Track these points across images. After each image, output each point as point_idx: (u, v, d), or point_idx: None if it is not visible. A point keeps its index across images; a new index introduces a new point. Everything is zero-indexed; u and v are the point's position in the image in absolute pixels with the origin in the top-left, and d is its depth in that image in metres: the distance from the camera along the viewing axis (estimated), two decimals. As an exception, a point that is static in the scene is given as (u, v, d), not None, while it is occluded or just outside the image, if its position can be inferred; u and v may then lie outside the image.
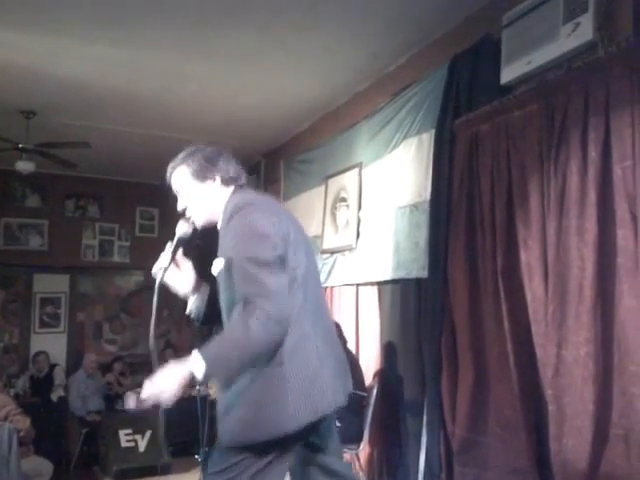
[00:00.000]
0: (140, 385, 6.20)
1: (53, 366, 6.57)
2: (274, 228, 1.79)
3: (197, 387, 3.33)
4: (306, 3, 3.37)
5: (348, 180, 4.54)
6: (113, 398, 6.28)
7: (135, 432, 5.09)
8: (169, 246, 2.13)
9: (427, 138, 3.57)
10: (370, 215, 4.18)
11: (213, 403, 5.01)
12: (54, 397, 6.11)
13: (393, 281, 3.83)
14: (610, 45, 2.48)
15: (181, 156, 2.09)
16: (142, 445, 5.04)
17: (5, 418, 3.96)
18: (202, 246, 2.55)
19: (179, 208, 2.12)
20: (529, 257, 2.78)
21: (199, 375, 1.69)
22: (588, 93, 2.54)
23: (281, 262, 1.77)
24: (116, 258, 7.68)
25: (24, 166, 5.24)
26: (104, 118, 5.26)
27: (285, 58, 4.09)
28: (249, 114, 5.17)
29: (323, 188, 4.91)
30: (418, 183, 3.62)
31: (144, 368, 7.19)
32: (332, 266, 4.59)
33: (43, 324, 7.28)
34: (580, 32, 2.59)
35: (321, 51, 3.96)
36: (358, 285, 4.30)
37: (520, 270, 2.83)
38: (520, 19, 2.92)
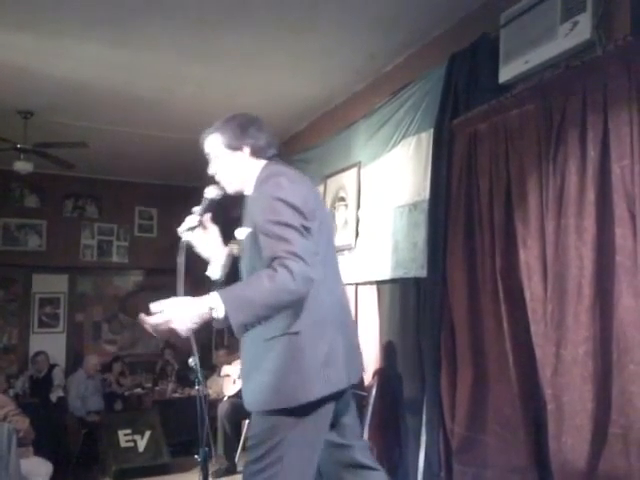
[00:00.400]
0: (140, 385, 6.17)
1: (52, 366, 6.57)
2: (302, 200, 1.80)
3: (196, 387, 3.33)
4: (304, 4, 3.37)
5: (347, 180, 4.54)
6: (112, 398, 6.28)
7: (134, 432, 5.09)
8: (197, 208, 2.15)
9: (425, 137, 3.57)
10: (369, 215, 4.19)
11: (212, 403, 5.04)
12: (53, 397, 6.10)
13: (392, 280, 3.83)
14: (608, 44, 2.49)
15: (217, 123, 2.12)
16: (141, 445, 5.04)
17: (4, 418, 3.95)
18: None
19: (210, 172, 2.15)
20: (528, 256, 2.78)
21: (220, 313, 1.67)
22: (586, 92, 2.54)
23: (307, 230, 1.78)
24: (115, 258, 7.67)
25: (22, 166, 5.24)
26: (102, 118, 5.26)
27: (283, 58, 4.09)
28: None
29: (322, 188, 4.91)
30: (417, 182, 3.62)
31: (143, 368, 7.24)
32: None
33: (42, 324, 7.28)
34: (578, 31, 2.59)
35: (319, 51, 3.97)
36: (357, 284, 4.30)
37: (519, 269, 2.84)
38: (518, 18, 2.92)
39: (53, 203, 7.34)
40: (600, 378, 2.42)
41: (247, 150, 2.03)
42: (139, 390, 6.54)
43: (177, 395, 6.22)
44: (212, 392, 5.54)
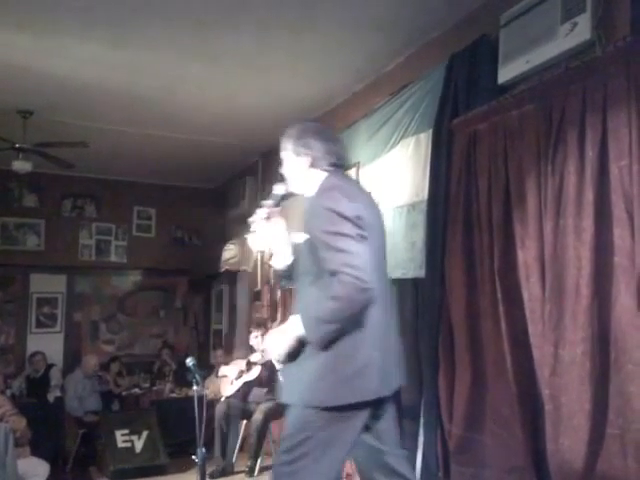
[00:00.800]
0: (138, 385, 6.15)
1: (50, 366, 6.55)
2: (355, 213, 1.90)
3: (194, 387, 3.33)
4: (304, 4, 3.37)
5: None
6: (110, 398, 6.27)
7: (132, 432, 5.07)
8: (266, 202, 2.30)
9: (425, 138, 3.57)
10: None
11: (210, 403, 5.03)
12: (50, 397, 6.09)
13: (390, 281, 3.82)
14: (608, 45, 2.49)
15: (293, 127, 2.25)
16: (139, 445, 5.02)
17: (1, 419, 3.94)
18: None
19: (281, 170, 2.28)
20: (526, 256, 2.78)
21: (309, 338, 1.89)
22: (585, 92, 2.54)
23: (362, 238, 1.89)
24: (113, 258, 7.66)
25: (21, 166, 5.23)
26: (102, 118, 5.26)
27: (283, 58, 4.09)
28: (247, 114, 5.17)
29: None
30: (416, 183, 3.62)
31: (141, 368, 7.23)
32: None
33: (40, 324, 7.27)
34: (578, 32, 2.60)
35: (319, 51, 3.97)
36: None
37: (517, 269, 2.83)
38: (518, 18, 2.92)
39: (52, 203, 7.33)
40: (598, 378, 2.41)
41: (307, 160, 2.14)
42: (137, 390, 6.53)
43: (174, 395, 6.21)
44: (210, 392, 5.53)
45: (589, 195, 2.47)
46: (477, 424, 3.01)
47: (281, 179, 2.30)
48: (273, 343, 2.03)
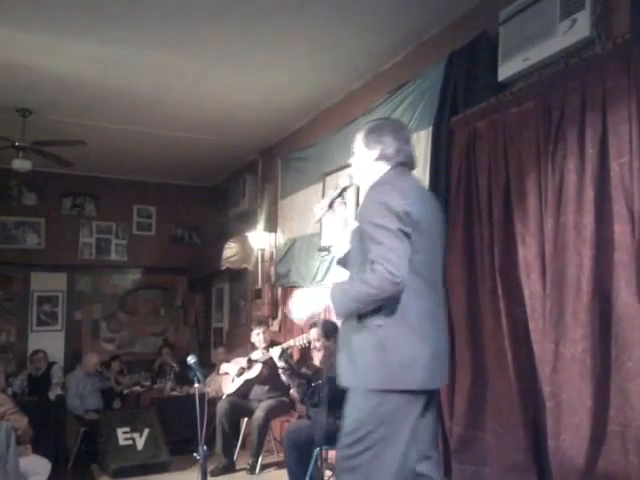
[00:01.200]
0: (139, 383, 6.15)
1: (51, 364, 6.57)
2: (403, 209, 1.96)
3: (195, 385, 3.33)
4: (301, 2, 3.36)
5: (345, 178, 4.52)
6: (111, 396, 6.27)
7: (133, 430, 5.08)
8: (331, 192, 2.45)
9: (424, 136, 3.57)
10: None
11: (211, 401, 5.04)
12: (52, 396, 6.09)
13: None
14: (607, 42, 2.49)
15: (371, 121, 2.35)
16: (140, 443, 5.03)
17: (2, 417, 3.95)
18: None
19: (350, 162, 2.38)
20: (527, 254, 2.78)
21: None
22: (585, 90, 2.54)
23: (405, 235, 1.95)
24: (113, 256, 7.67)
25: (20, 164, 5.23)
26: (101, 116, 5.26)
27: (281, 56, 4.08)
28: (245, 112, 5.17)
29: (320, 186, 4.91)
30: (415, 180, 3.61)
31: (142, 366, 7.24)
32: (330, 263, 4.60)
33: (40, 323, 7.28)
34: (577, 29, 2.59)
35: (317, 49, 3.97)
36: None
37: (518, 267, 2.84)
38: (517, 16, 2.92)
39: (51, 201, 7.34)
40: (599, 375, 2.42)
41: (376, 153, 2.18)
42: (138, 388, 6.53)
43: (176, 393, 6.22)
44: (211, 390, 5.54)
45: (589, 192, 2.47)
46: (478, 422, 3.01)
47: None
48: (298, 303, 2.14)
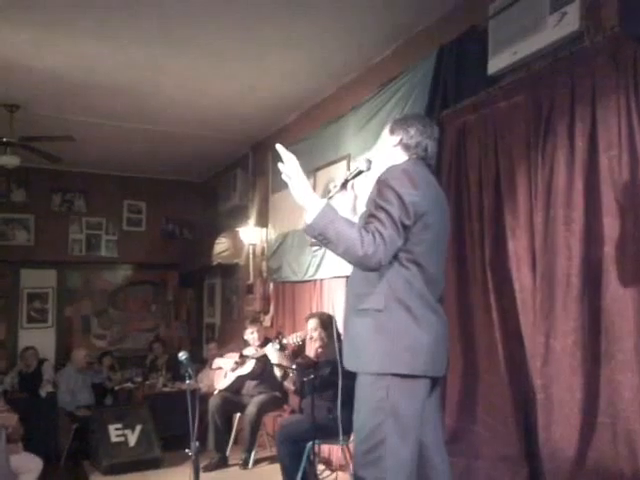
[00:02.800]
0: (130, 379, 6.05)
1: (41, 361, 6.53)
2: (410, 199, 1.97)
3: (187, 381, 3.32)
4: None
5: (336, 172, 4.53)
6: (102, 393, 6.25)
7: (125, 427, 5.06)
8: (347, 173, 2.43)
9: (415, 129, 3.56)
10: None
11: (203, 396, 5.03)
12: (43, 393, 6.06)
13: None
14: (596, 35, 2.49)
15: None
16: (132, 439, 5.01)
17: (-8, 415, 3.93)
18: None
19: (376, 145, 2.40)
20: (517, 247, 2.79)
21: (309, 217, 1.96)
22: (574, 83, 2.54)
23: (404, 227, 1.96)
24: (103, 252, 7.63)
25: (9, 160, 5.18)
26: (89, 111, 5.21)
27: (271, 51, 4.07)
28: (236, 107, 5.15)
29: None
30: (406, 174, 3.61)
31: (133, 362, 7.22)
32: (321, 258, 4.59)
33: (31, 319, 7.23)
34: (566, 22, 2.59)
35: (307, 44, 3.95)
36: (347, 277, 4.29)
37: (508, 260, 2.85)
38: (506, 9, 2.91)
39: (40, 197, 7.28)
40: (589, 368, 2.44)
41: (396, 139, 2.21)
42: (129, 384, 6.51)
43: (168, 389, 6.20)
44: (203, 386, 5.53)
45: (579, 185, 2.48)
46: (469, 414, 3.03)
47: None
48: (297, 180, 2.06)
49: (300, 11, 3.53)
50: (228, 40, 3.91)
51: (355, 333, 2.09)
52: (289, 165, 2.08)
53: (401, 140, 2.20)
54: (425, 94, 3.46)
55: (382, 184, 2.02)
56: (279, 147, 2.12)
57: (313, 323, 4.13)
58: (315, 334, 4.11)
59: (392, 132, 2.24)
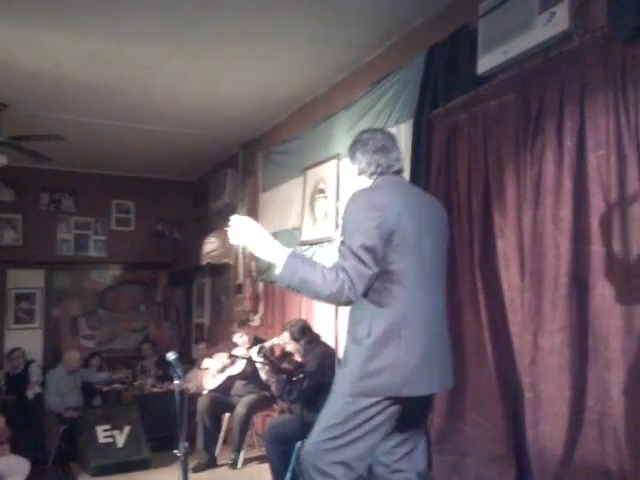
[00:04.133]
0: (119, 380, 5.99)
1: (29, 363, 6.47)
2: (371, 223, 1.98)
3: (175, 381, 3.30)
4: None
5: (326, 171, 4.52)
6: (91, 393, 6.21)
7: (113, 428, 5.03)
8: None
9: (405, 128, 3.57)
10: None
11: (192, 397, 5.01)
12: (30, 394, 6.02)
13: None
14: (585, 35, 2.50)
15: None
16: (120, 441, 4.98)
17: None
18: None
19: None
20: (505, 246, 2.80)
21: (276, 271, 1.99)
22: (563, 82, 2.55)
23: (367, 252, 1.96)
24: (92, 252, 7.58)
25: (-4, 159, 5.14)
26: (79, 111, 5.18)
27: (263, 49, 4.05)
28: (226, 106, 5.13)
29: (302, 179, 4.89)
30: (396, 174, 3.61)
31: (122, 363, 7.18)
32: (311, 257, 4.59)
33: (18, 320, 7.18)
34: (556, 22, 2.60)
35: (298, 42, 3.94)
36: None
37: (497, 259, 2.85)
38: (496, 8, 2.92)
39: (29, 197, 7.22)
40: (577, 366, 2.44)
41: (355, 168, 2.29)
42: (118, 385, 6.47)
43: (156, 390, 6.18)
44: (192, 386, 5.51)
45: (567, 184, 2.49)
46: (458, 413, 3.03)
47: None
48: (245, 232, 2.09)
49: (292, 11, 3.52)
50: (218, 39, 3.89)
51: (345, 360, 2.12)
52: (242, 230, 2.10)
53: (358, 168, 2.26)
54: (415, 93, 3.47)
55: (344, 217, 2.07)
56: (233, 218, 2.15)
57: (285, 337, 4.11)
58: (290, 347, 4.11)
59: (352, 162, 2.31)
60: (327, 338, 4.11)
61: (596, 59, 2.43)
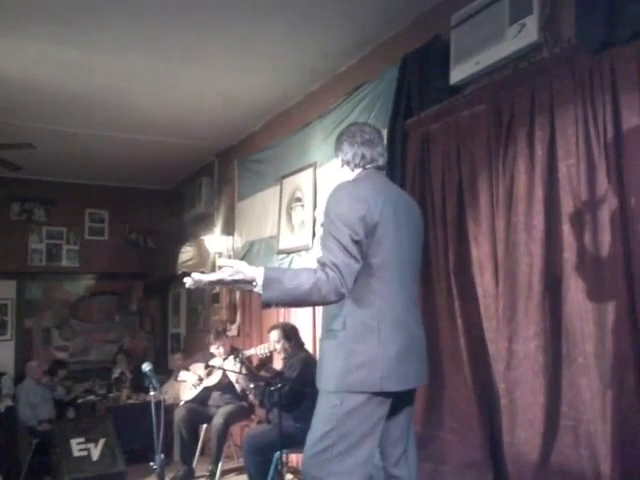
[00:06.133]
0: (93, 392, 5.91)
1: (0, 375, 6.34)
2: (357, 214, 1.98)
3: (151, 393, 3.27)
4: (256, 3, 3.34)
5: (303, 180, 4.53)
6: (64, 406, 6.10)
7: (88, 440, 4.93)
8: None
9: (380, 137, 3.59)
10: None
11: (169, 408, 4.96)
12: (1, 407, 5.88)
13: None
14: (554, 46, 2.56)
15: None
16: (95, 454, 4.89)
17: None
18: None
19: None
20: (480, 253, 2.84)
21: (257, 287, 1.93)
22: (534, 93, 2.61)
23: (355, 244, 1.97)
24: (65, 262, 7.46)
25: (-35, 168, 5.04)
26: (50, 119, 5.11)
27: (236, 59, 4.05)
28: (202, 114, 5.11)
29: (278, 188, 4.89)
30: (371, 182, 3.63)
31: (96, 374, 7.07)
32: (289, 266, 4.58)
33: (-11, 332, 7.02)
34: (525, 33, 2.66)
35: (273, 51, 3.95)
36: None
37: (471, 266, 2.89)
38: (468, 20, 2.97)
39: (-1, 206, 7.09)
40: (551, 372, 2.48)
41: (339, 160, 2.30)
42: (92, 397, 6.37)
43: (132, 401, 6.09)
44: (168, 397, 5.43)
45: (539, 193, 2.53)
46: (435, 420, 3.05)
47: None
48: (228, 270, 1.95)
49: (267, 20, 3.53)
50: (192, 47, 3.88)
51: (321, 354, 2.14)
52: (222, 272, 1.97)
53: (342, 160, 2.27)
54: (390, 102, 3.50)
55: (327, 209, 2.05)
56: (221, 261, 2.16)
57: (275, 335, 4.11)
58: (278, 346, 4.09)
59: (336, 155, 2.32)
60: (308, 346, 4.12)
61: (565, 70, 2.48)
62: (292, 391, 3.61)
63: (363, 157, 2.23)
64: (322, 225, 2.10)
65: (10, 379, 6.42)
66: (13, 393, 6.10)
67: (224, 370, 4.70)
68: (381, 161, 2.27)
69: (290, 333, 4.07)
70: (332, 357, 2.04)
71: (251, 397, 4.41)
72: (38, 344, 7.30)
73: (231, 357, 4.43)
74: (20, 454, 5.37)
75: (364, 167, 2.23)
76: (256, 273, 1.93)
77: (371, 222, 2.00)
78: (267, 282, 1.91)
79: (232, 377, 4.42)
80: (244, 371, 4.32)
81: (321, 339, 2.18)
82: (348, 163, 2.25)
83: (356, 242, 1.96)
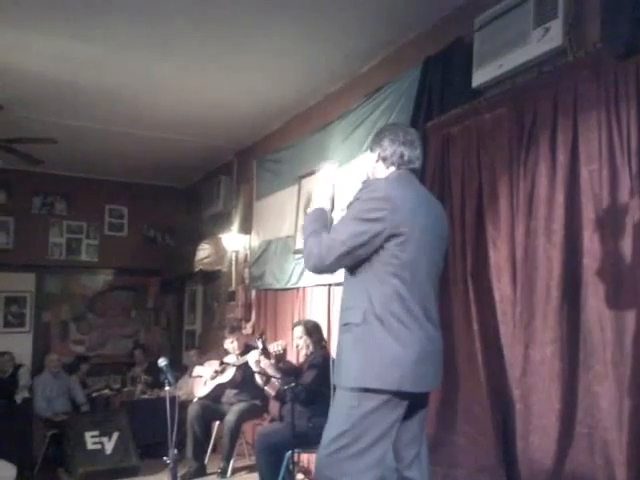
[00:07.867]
0: (108, 386, 5.94)
1: (18, 367, 6.42)
2: (383, 214, 2.03)
3: (166, 388, 3.29)
4: (276, 4, 3.36)
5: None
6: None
7: (102, 434, 4.99)
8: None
9: (399, 139, 3.58)
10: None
11: (182, 404, 4.98)
12: (18, 399, 5.96)
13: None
14: (578, 50, 2.54)
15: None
16: (109, 447, 4.94)
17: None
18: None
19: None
20: (498, 258, 2.82)
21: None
22: (557, 97, 2.58)
23: (361, 246, 2.04)
24: (84, 257, 7.53)
25: (-11, 162, 5.12)
26: (72, 114, 5.17)
27: (257, 58, 4.08)
28: (222, 113, 5.14)
29: (296, 188, 4.90)
30: (390, 184, 3.63)
31: (112, 369, 7.14)
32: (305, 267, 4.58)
33: (7, 324, 7.11)
34: (550, 37, 2.64)
35: (293, 52, 3.97)
36: (330, 285, 4.29)
37: (489, 271, 2.87)
38: (491, 23, 2.96)
39: (21, 200, 7.18)
40: (567, 378, 2.46)
41: (376, 155, 2.30)
42: (107, 391, 6.43)
43: (146, 396, 6.13)
44: (182, 393, 5.47)
45: (560, 198, 2.51)
46: (449, 423, 3.03)
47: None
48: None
49: (288, 20, 3.55)
50: (216, 47, 3.91)
51: (339, 348, 2.13)
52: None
53: (379, 155, 2.27)
54: (410, 105, 3.49)
55: (358, 199, 2.11)
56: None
57: (299, 331, 4.12)
58: (301, 342, 4.10)
59: (372, 150, 2.32)
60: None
61: (589, 74, 2.46)
62: (311, 388, 3.63)
63: (402, 156, 2.23)
64: (347, 206, 2.16)
65: (28, 371, 6.49)
66: (30, 385, 6.18)
67: (237, 367, 4.72)
68: (417, 164, 2.27)
69: (312, 330, 4.10)
70: (350, 351, 2.05)
71: (267, 389, 4.38)
72: (55, 337, 7.39)
73: (252, 352, 4.41)
74: (35, 445, 5.44)
75: (399, 167, 2.23)
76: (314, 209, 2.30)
77: (393, 223, 2.01)
78: (307, 217, 2.26)
79: (252, 360, 4.38)
80: (265, 357, 4.30)
81: (339, 333, 2.18)
82: (385, 159, 2.25)
83: (360, 241, 2.02)
